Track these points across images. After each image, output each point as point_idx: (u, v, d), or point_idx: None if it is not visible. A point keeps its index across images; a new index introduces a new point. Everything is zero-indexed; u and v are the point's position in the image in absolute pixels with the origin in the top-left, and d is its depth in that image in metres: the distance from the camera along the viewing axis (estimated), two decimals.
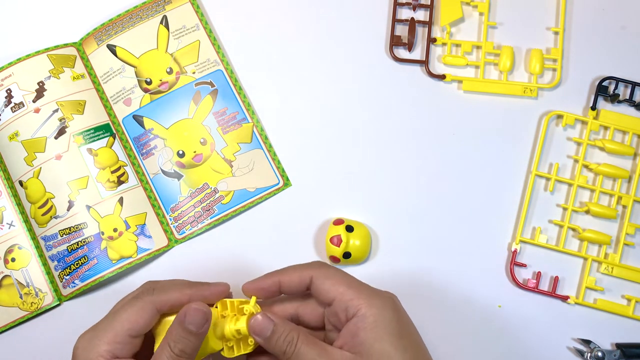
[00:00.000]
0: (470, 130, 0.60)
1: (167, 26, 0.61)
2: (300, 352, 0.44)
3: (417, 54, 0.62)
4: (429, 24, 0.62)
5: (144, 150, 0.60)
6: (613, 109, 0.60)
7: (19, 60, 0.60)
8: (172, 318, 0.46)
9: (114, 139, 0.60)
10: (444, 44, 0.62)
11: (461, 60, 0.61)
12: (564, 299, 0.57)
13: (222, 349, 0.46)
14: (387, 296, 0.46)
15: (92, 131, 0.59)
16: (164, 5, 0.62)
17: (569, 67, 0.61)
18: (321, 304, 0.48)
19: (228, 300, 0.47)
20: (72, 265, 0.57)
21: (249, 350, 0.46)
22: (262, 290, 0.47)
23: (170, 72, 0.61)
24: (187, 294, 0.45)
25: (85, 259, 0.57)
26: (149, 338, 0.47)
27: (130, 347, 0.44)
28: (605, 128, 0.60)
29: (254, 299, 0.46)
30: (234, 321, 0.45)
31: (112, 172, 0.59)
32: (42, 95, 0.59)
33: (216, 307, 0.47)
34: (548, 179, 0.59)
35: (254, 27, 0.63)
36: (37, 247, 0.58)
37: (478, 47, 0.62)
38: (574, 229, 0.59)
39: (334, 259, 0.57)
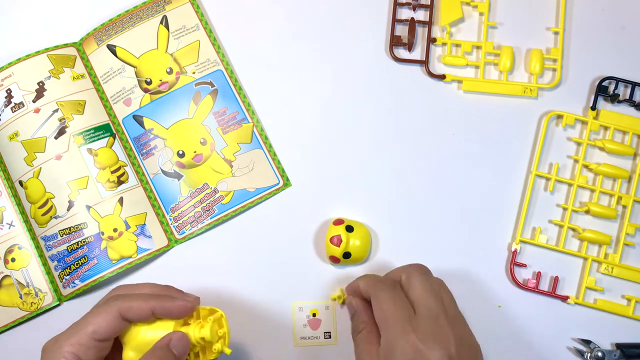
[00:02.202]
0: (470, 131, 0.60)
1: (167, 26, 0.61)
2: (356, 342, 0.50)
3: (417, 54, 0.62)
4: (429, 24, 0.62)
5: (144, 150, 0.60)
6: (613, 109, 0.60)
7: (19, 60, 0.60)
8: (140, 327, 0.47)
9: (114, 139, 0.60)
10: (444, 44, 0.62)
11: (461, 60, 0.61)
12: (564, 299, 0.57)
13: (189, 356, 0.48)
14: (414, 343, 0.46)
15: (92, 131, 0.59)
16: (164, 5, 0.62)
17: (569, 67, 0.61)
18: None
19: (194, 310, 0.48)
20: (72, 265, 0.57)
21: (213, 356, 0.47)
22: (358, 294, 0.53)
23: (170, 72, 0.61)
24: (151, 305, 0.46)
25: (85, 259, 0.57)
26: (119, 346, 0.48)
27: (95, 351, 0.45)
28: (605, 128, 0.60)
29: (221, 313, 0.48)
30: (199, 328, 0.46)
31: (112, 172, 0.59)
32: (42, 95, 0.59)
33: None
34: (548, 179, 0.59)
35: (254, 27, 0.63)
36: (37, 247, 0.58)
37: (478, 47, 0.62)
38: (574, 229, 0.59)
39: (334, 259, 0.57)
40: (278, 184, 0.59)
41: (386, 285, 0.49)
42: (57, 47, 0.61)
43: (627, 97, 0.60)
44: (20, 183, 0.59)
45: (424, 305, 0.47)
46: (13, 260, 0.58)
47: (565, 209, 0.59)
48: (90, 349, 0.44)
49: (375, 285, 0.50)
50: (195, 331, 0.46)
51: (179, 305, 0.47)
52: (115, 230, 0.57)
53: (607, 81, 0.60)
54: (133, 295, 0.47)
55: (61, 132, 0.59)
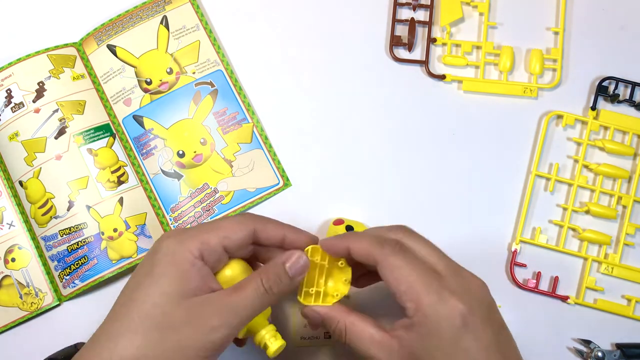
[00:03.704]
0: (470, 130, 0.60)
1: (167, 26, 0.61)
2: (351, 345, 0.44)
3: (417, 54, 0.62)
4: (429, 24, 0.62)
5: (144, 150, 0.60)
6: (613, 109, 0.60)
7: (19, 60, 0.60)
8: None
9: (114, 139, 0.60)
10: (444, 44, 0.62)
11: (461, 60, 0.61)
12: (564, 299, 0.57)
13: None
14: (455, 307, 0.41)
15: (92, 131, 0.59)
16: (164, 5, 0.62)
17: (569, 67, 0.61)
18: None
19: (319, 248, 0.46)
20: (72, 265, 0.57)
21: (327, 304, 0.46)
22: (332, 251, 0.46)
23: (170, 72, 0.61)
24: (284, 231, 0.46)
25: (85, 259, 0.57)
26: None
27: (216, 259, 0.43)
28: (605, 128, 0.60)
29: (343, 262, 0.46)
30: (323, 273, 0.45)
31: (112, 172, 0.59)
32: (42, 95, 0.59)
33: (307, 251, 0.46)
34: (548, 179, 0.59)
35: (254, 27, 0.63)
36: (37, 247, 0.58)
37: (478, 47, 0.62)
38: (574, 229, 0.59)
39: None
40: (278, 184, 0.59)
41: (394, 249, 0.43)
42: (57, 47, 0.61)
43: (627, 97, 0.60)
44: (20, 183, 0.59)
45: (440, 263, 0.43)
46: (13, 260, 0.58)
47: (565, 209, 0.59)
48: (215, 253, 0.43)
49: (381, 249, 0.43)
50: (328, 281, 0.45)
51: (306, 237, 0.46)
52: (115, 230, 0.57)
53: (607, 81, 0.60)
54: (267, 218, 0.46)
55: (61, 132, 0.59)
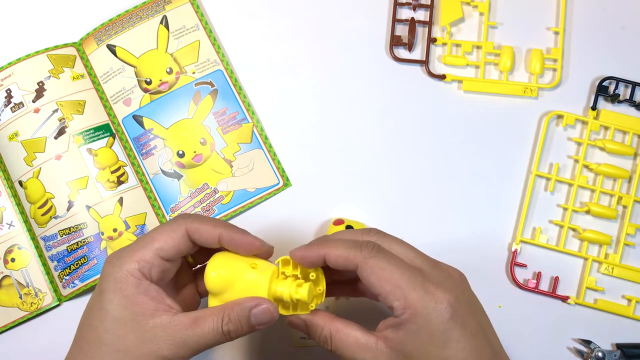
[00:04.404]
0: (470, 130, 0.60)
1: (167, 26, 0.61)
2: (337, 351, 0.43)
3: (417, 54, 0.62)
4: (429, 24, 0.62)
5: (144, 150, 0.60)
6: (613, 109, 0.60)
7: (19, 60, 0.60)
8: (234, 268, 0.44)
9: (114, 139, 0.60)
10: (444, 44, 0.62)
11: (461, 60, 0.61)
12: (564, 299, 0.57)
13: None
14: (443, 298, 0.40)
15: (92, 131, 0.59)
16: (164, 5, 0.62)
17: (569, 67, 0.61)
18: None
19: (291, 259, 0.44)
20: (71, 266, 0.57)
21: (304, 312, 0.44)
22: (306, 261, 0.44)
23: (170, 72, 0.61)
24: (219, 231, 0.43)
25: (85, 259, 0.57)
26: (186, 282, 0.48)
27: (159, 270, 0.43)
28: (606, 128, 0.60)
29: (319, 272, 0.44)
30: (295, 287, 0.43)
31: (112, 172, 0.59)
32: (42, 95, 0.59)
33: (277, 264, 0.45)
34: (548, 179, 0.59)
35: (254, 27, 0.63)
36: (37, 247, 0.58)
37: (478, 47, 0.62)
38: (574, 229, 0.58)
39: None
40: (278, 184, 0.59)
41: (372, 250, 0.42)
42: (57, 47, 0.61)
43: (628, 97, 0.60)
44: (20, 183, 0.59)
45: (418, 260, 0.43)
46: (13, 260, 0.58)
47: (565, 209, 0.59)
48: (155, 267, 0.42)
49: (360, 253, 0.42)
50: (292, 290, 0.43)
51: (248, 240, 0.43)
52: (115, 230, 0.57)
53: (607, 81, 0.60)
54: (203, 218, 0.44)
55: (61, 132, 0.59)
